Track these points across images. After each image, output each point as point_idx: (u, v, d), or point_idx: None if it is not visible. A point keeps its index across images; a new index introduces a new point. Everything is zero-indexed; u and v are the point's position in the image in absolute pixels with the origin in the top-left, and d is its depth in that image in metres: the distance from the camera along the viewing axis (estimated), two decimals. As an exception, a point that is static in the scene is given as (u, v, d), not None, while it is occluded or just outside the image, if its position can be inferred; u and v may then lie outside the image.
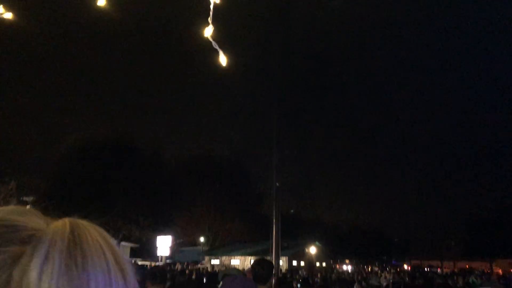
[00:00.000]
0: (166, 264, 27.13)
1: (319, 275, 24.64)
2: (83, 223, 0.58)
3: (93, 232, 0.57)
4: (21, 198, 33.83)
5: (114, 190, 33.56)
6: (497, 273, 36.07)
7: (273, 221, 18.61)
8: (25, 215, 0.57)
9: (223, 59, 2.67)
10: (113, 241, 0.60)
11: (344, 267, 54.91)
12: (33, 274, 0.47)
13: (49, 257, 0.49)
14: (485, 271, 40.19)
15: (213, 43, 2.49)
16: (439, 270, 50.08)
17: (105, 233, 0.60)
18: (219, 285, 3.00)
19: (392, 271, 34.79)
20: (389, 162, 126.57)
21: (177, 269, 24.10)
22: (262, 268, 3.65)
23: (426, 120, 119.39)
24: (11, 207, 0.59)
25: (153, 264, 29.75)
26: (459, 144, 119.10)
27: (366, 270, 43.95)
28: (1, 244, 0.50)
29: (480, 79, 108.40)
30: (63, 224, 0.55)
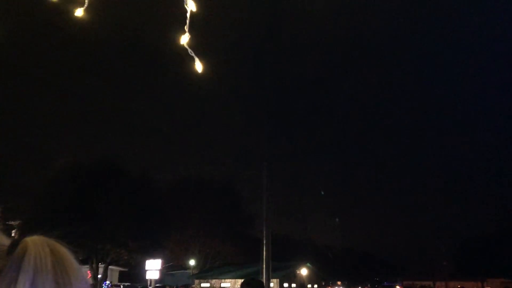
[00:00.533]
0: (156, 287, 26.75)
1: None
2: (52, 240, 0.57)
3: (65, 250, 0.57)
4: (7, 221, 33.33)
5: (103, 214, 33.15)
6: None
7: (263, 242, 18.47)
8: None
9: (198, 66, 2.66)
10: None
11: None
12: None
13: (38, 273, 0.50)
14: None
15: (189, 50, 2.48)
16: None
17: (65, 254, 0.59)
18: None
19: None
20: (381, 183, 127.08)
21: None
22: (250, 286, 3.60)
23: (417, 141, 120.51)
24: None
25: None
26: (450, 166, 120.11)
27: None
28: None
29: (472, 99, 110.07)
30: (40, 240, 0.55)
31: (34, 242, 0.54)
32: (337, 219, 66.68)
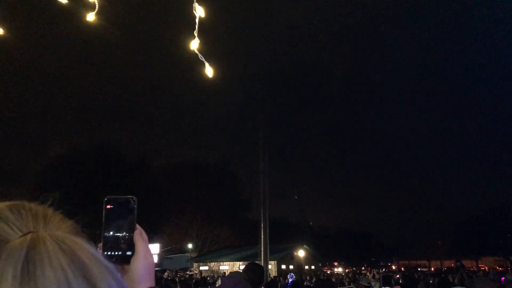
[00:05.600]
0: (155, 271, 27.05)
1: (308, 278, 24.76)
2: (51, 241, 0.54)
3: (55, 256, 0.53)
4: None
5: (100, 199, 33.24)
6: (483, 271, 36.66)
7: (261, 225, 18.71)
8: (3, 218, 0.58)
9: (209, 71, 2.75)
10: (92, 258, 0.56)
11: (340, 269, 55.05)
12: None
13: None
14: (471, 269, 40.74)
15: (199, 55, 2.57)
16: (432, 269, 50.39)
17: (78, 251, 0.55)
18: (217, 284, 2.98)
19: (380, 271, 34.99)
20: (376, 165, 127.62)
21: (164, 276, 24.03)
22: (254, 273, 3.67)
23: (413, 123, 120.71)
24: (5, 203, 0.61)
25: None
26: (445, 147, 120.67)
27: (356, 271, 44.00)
28: None
29: (470, 77, 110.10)
30: (21, 243, 0.53)
31: (14, 244, 0.53)
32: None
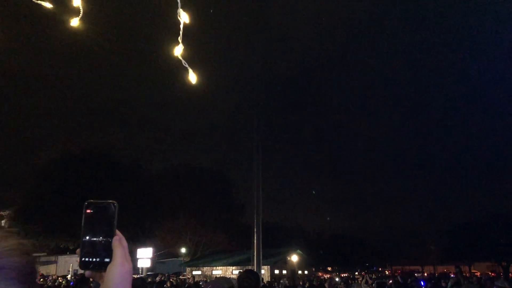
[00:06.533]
0: (147, 276, 26.93)
1: (301, 283, 24.70)
2: None
3: None
4: (-2, 212, 33.24)
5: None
6: (476, 276, 36.78)
7: (254, 230, 18.69)
8: None
9: (192, 77, 2.74)
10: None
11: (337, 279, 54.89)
12: None
13: None
14: (464, 274, 40.79)
15: (183, 61, 2.57)
16: (425, 274, 50.46)
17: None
18: None
19: (373, 276, 34.96)
20: (369, 170, 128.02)
21: (156, 280, 23.88)
22: (250, 280, 3.63)
23: (406, 129, 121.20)
24: None
25: (134, 276, 29.37)
26: (438, 153, 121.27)
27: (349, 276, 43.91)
28: None
29: (463, 86, 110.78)
30: None
31: None
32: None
